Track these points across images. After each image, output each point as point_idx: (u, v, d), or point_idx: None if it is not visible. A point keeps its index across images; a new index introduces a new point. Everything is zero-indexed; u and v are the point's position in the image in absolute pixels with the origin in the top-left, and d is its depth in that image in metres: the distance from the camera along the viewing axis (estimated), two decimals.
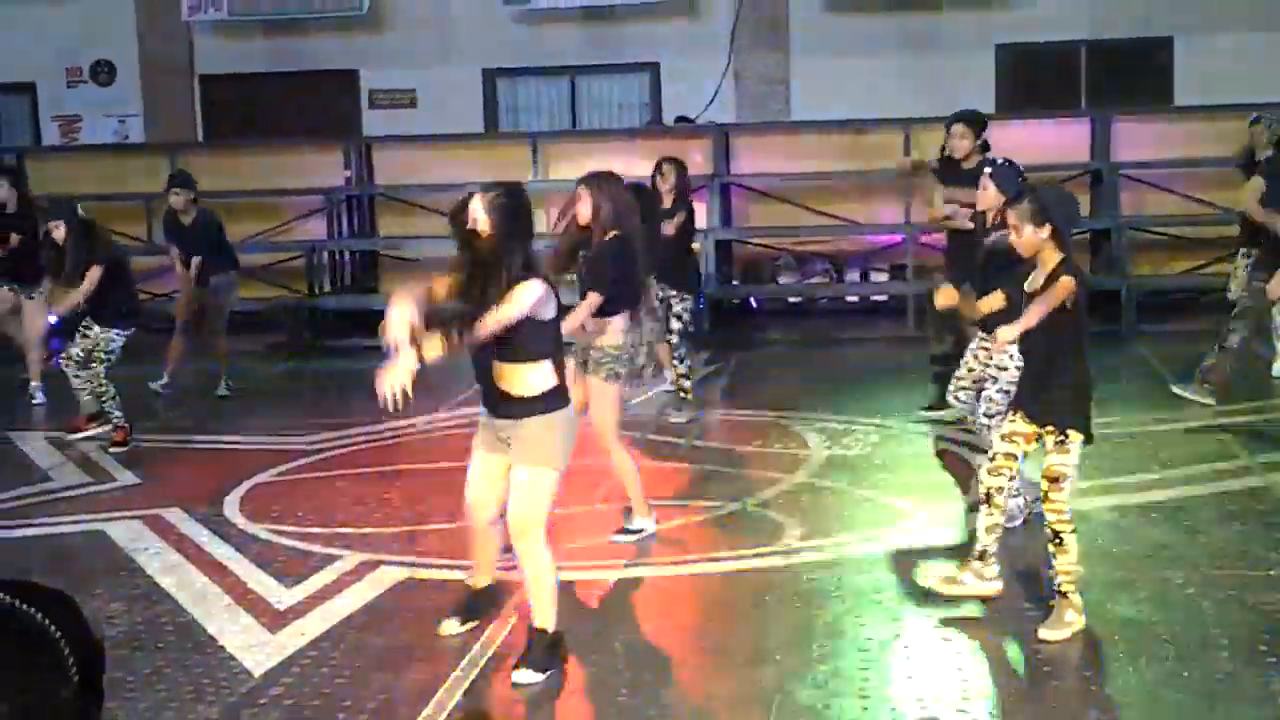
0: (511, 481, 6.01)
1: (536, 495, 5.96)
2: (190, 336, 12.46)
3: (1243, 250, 11.38)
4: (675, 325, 10.88)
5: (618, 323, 7.68)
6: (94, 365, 10.52)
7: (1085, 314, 6.31)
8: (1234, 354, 10.50)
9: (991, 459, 6.56)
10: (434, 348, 5.63)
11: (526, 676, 5.97)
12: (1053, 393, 6.32)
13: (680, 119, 17.62)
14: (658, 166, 11.39)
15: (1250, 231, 11.07)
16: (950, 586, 6.69)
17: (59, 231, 10.68)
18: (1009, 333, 6.28)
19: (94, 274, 10.48)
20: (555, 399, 5.96)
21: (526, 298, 5.74)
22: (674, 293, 10.87)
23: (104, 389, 10.51)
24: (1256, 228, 10.58)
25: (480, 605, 6.63)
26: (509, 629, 6.56)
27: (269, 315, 15.52)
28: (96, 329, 10.55)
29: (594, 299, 7.59)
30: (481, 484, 6.21)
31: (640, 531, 7.94)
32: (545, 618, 6.06)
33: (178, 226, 12.38)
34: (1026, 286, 6.37)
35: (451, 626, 6.53)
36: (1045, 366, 6.33)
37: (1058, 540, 6.29)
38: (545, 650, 6.04)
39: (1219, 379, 10.52)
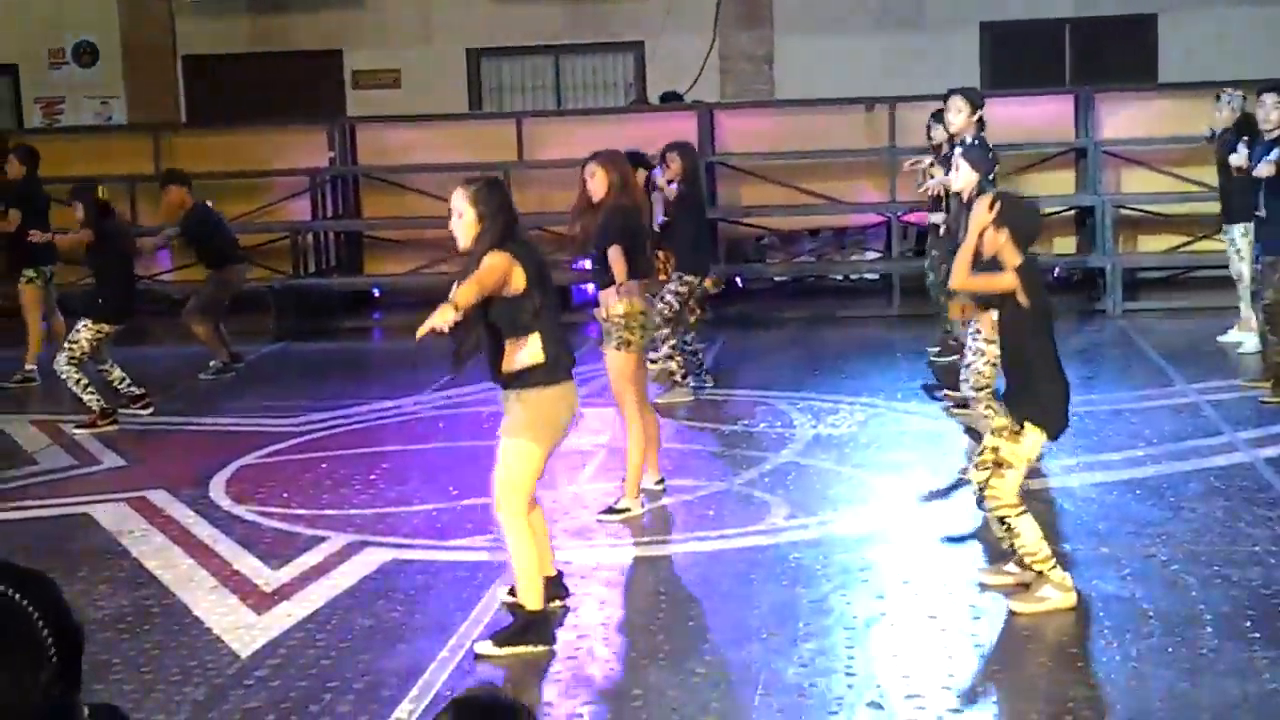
0: (498, 452, 6.13)
1: (515, 467, 6.03)
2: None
3: (1233, 225, 11.36)
4: (659, 305, 10.82)
5: (625, 289, 7.92)
6: (61, 355, 10.58)
7: (1043, 315, 6.33)
8: None
9: (980, 454, 6.51)
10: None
11: (485, 648, 6.04)
12: (1013, 386, 6.45)
13: (669, 95, 17.56)
14: (661, 156, 11.16)
15: (1235, 205, 11.10)
16: (1027, 603, 6.38)
17: (78, 213, 10.73)
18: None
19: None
20: (538, 375, 6.01)
21: (484, 271, 5.85)
22: (680, 274, 10.84)
23: (66, 375, 10.50)
24: (1242, 201, 10.61)
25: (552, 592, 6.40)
26: (496, 609, 6.57)
27: (253, 297, 15.51)
28: (86, 322, 10.55)
29: (616, 253, 7.91)
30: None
31: (625, 512, 7.96)
32: (525, 595, 6.10)
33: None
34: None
35: (485, 645, 6.20)
36: (1012, 362, 6.43)
37: (1006, 527, 6.32)
38: (518, 628, 6.07)
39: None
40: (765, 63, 17.79)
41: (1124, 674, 5.69)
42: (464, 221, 5.98)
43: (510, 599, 6.37)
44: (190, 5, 18.47)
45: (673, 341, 10.85)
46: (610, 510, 7.99)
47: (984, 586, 6.62)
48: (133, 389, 10.90)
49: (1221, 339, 11.97)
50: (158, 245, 13.40)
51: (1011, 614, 6.27)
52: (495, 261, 5.89)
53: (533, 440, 6.03)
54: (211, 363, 12.49)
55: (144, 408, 10.90)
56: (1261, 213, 10.12)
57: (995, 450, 6.35)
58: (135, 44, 18.65)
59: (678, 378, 10.92)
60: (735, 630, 6.27)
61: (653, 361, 10.95)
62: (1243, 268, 11.52)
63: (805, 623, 6.33)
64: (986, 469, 6.39)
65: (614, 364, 7.98)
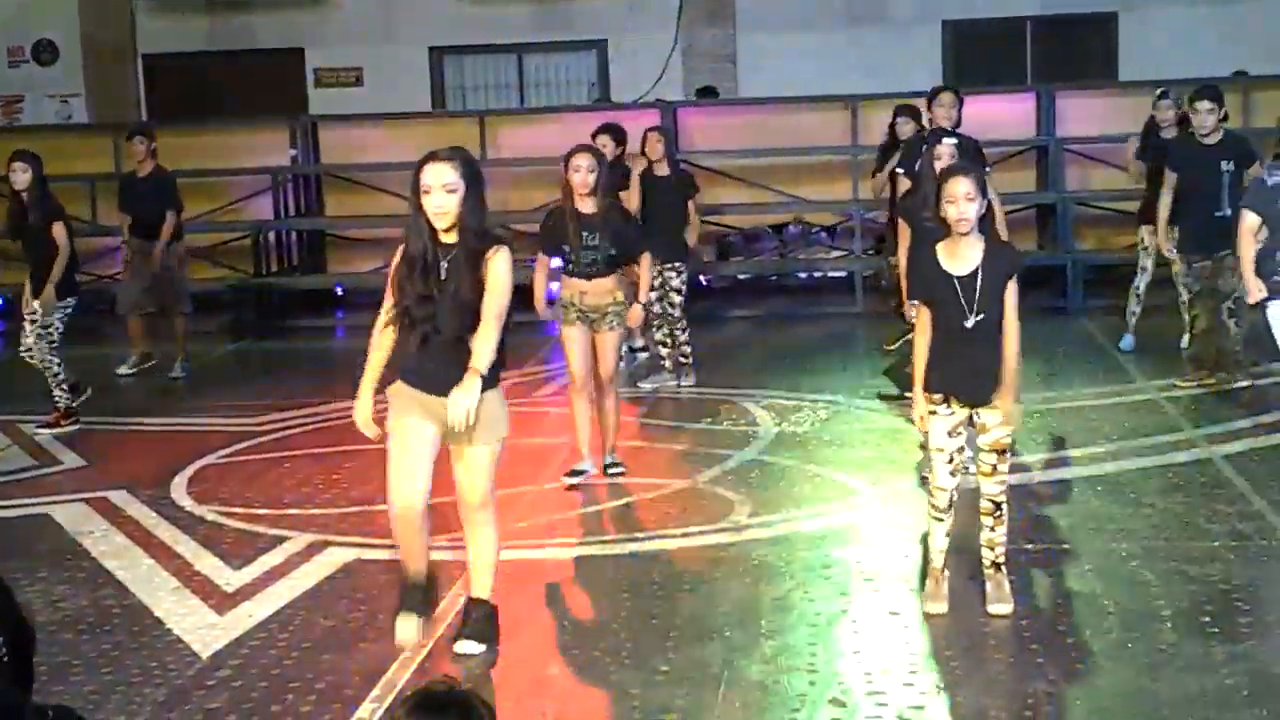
0: (468, 459, 5.88)
1: (494, 467, 5.95)
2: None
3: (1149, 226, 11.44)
4: (676, 299, 11.03)
5: (622, 277, 8.54)
6: (41, 342, 10.38)
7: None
8: (1223, 332, 10.40)
9: (949, 461, 6.22)
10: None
11: (469, 647, 5.98)
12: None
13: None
14: (644, 137, 11.53)
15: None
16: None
17: (24, 176, 10.36)
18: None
19: (61, 232, 10.33)
20: (496, 371, 5.83)
21: (508, 265, 5.73)
22: (675, 264, 11.09)
23: (49, 364, 10.40)
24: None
25: (430, 596, 6.19)
26: (458, 608, 6.56)
27: (215, 296, 15.45)
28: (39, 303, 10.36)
29: (648, 259, 8.79)
30: (420, 472, 5.84)
31: (585, 474, 8.54)
32: (489, 588, 6.08)
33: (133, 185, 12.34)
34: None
35: (408, 629, 6.03)
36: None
37: (998, 512, 6.25)
38: (487, 621, 6.06)
39: (1210, 358, 10.46)
40: (728, 60, 17.81)
41: (1084, 670, 5.72)
42: (455, 197, 5.65)
43: (479, 596, 6.17)
44: (151, 3, 18.36)
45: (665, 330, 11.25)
46: (573, 473, 8.57)
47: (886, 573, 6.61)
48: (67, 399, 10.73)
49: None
50: None
51: (994, 616, 6.22)
52: (508, 273, 5.73)
53: (501, 439, 5.94)
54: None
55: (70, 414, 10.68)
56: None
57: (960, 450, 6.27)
58: (95, 42, 18.55)
59: (668, 365, 11.33)
60: (698, 628, 6.27)
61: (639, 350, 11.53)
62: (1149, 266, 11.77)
63: (768, 620, 6.34)
64: (959, 473, 6.29)
65: (613, 344, 8.49)
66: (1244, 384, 10.25)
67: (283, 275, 16.26)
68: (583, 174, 8.30)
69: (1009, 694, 5.56)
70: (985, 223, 6.22)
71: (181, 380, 12.37)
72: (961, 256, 6.06)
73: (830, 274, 16.38)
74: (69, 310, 10.46)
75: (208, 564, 7.39)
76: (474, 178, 5.74)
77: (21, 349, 10.55)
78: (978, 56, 17.71)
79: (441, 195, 5.66)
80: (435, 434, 5.82)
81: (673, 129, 15.86)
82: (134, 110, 18.58)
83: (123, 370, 12.49)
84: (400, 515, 5.90)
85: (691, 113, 16.53)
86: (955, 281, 6.04)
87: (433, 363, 5.79)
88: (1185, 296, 10.80)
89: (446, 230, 5.73)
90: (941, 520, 6.30)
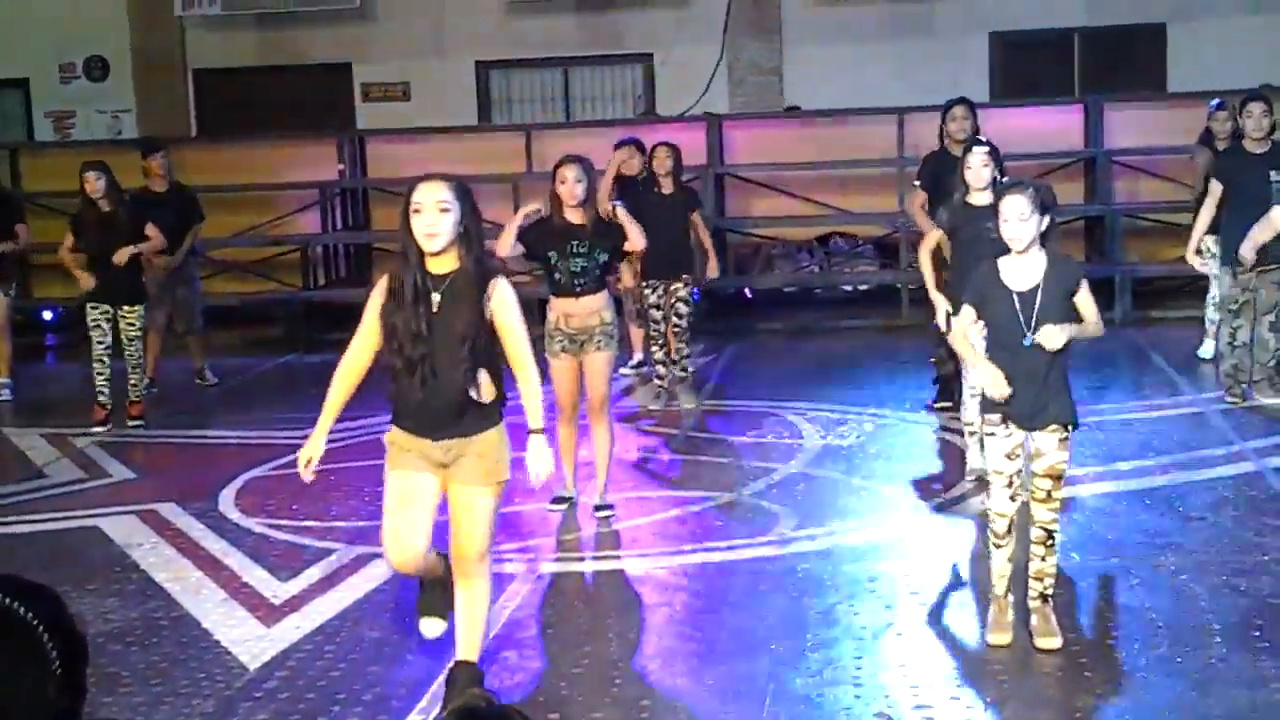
0: (466, 505, 5.47)
1: (495, 515, 5.56)
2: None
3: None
4: (683, 310, 10.97)
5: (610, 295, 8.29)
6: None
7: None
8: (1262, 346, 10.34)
9: (1008, 485, 6.04)
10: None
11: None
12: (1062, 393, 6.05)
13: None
14: (652, 151, 11.41)
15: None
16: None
17: (100, 184, 11.08)
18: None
19: (154, 229, 11.19)
20: (496, 410, 5.49)
21: (514, 297, 5.44)
22: (681, 278, 10.99)
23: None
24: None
25: (449, 595, 5.77)
26: (504, 618, 6.58)
27: (264, 309, 15.56)
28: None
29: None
30: (419, 528, 5.49)
31: (568, 501, 8.31)
32: (479, 650, 5.64)
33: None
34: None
35: (434, 627, 5.90)
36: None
37: (1050, 541, 6.06)
38: (477, 684, 5.53)
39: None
40: (774, 74, 17.80)
41: (1132, 684, 5.68)
42: (450, 217, 5.27)
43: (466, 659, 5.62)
44: (201, 19, 18.51)
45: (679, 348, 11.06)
46: (603, 508, 8.21)
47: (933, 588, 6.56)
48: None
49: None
50: None
51: (1042, 650, 6.01)
52: (516, 304, 5.44)
53: (502, 483, 5.57)
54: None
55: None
56: None
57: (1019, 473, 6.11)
58: (146, 58, 18.70)
59: (665, 384, 11.17)
60: (743, 641, 6.27)
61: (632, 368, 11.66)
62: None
63: (813, 633, 6.33)
64: (1017, 498, 6.13)
65: (606, 366, 8.14)
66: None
67: (330, 289, 16.35)
68: (570, 185, 8.01)
69: (1056, 708, 5.54)
70: (1049, 237, 6.03)
71: (215, 385, 12.57)
72: (1022, 272, 5.94)
73: (876, 286, 16.32)
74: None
75: (255, 576, 7.43)
76: (468, 201, 5.34)
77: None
78: (1025, 68, 17.63)
79: (434, 214, 5.25)
80: (436, 485, 5.47)
81: (718, 142, 15.89)
82: (184, 125, 18.72)
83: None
84: (399, 569, 5.68)
85: (736, 125, 16.53)
86: (1014, 297, 5.93)
87: (432, 404, 5.38)
88: (1232, 307, 10.45)
89: (437, 255, 5.32)
90: (1001, 546, 6.08)
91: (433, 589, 5.84)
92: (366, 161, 16.99)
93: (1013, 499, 6.04)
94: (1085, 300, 5.99)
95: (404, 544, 5.48)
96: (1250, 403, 10.18)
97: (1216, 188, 10.40)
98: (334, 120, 18.20)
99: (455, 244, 5.32)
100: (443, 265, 5.35)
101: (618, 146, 11.60)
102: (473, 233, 5.36)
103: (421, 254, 5.32)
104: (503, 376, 5.49)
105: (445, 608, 5.79)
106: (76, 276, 11.08)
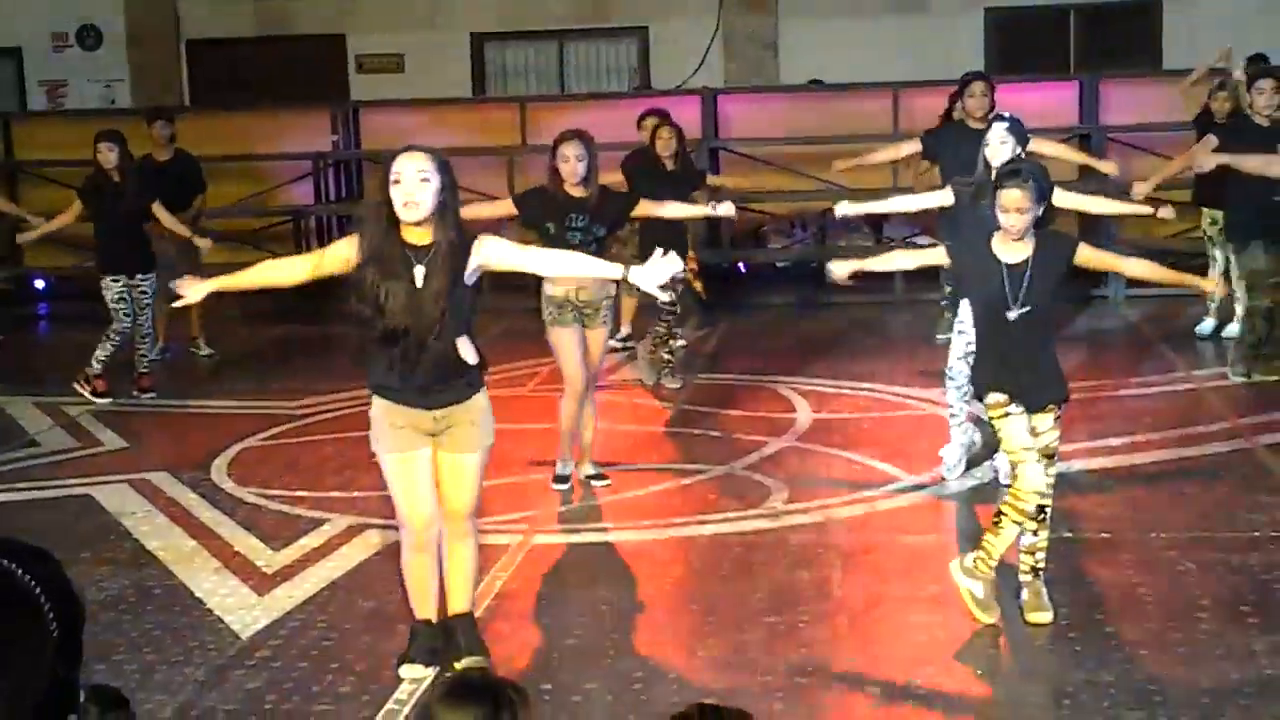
0: (457, 468, 5.56)
1: (482, 475, 5.66)
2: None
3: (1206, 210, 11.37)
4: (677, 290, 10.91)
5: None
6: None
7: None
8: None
9: (1039, 460, 5.98)
10: None
11: (473, 663, 5.56)
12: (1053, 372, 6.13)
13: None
14: (655, 130, 11.20)
15: (1210, 190, 11.09)
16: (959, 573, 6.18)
17: (112, 155, 10.93)
18: None
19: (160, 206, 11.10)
20: (480, 373, 5.54)
21: (499, 238, 5.53)
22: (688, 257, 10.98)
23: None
24: (1218, 187, 10.58)
25: (438, 647, 5.76)
26: (496, 590, 6.59)
27: None
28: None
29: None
30: (430, 495, 5.59)
31: (568, 478, 8.29)
32: (471, 599, 5.81)
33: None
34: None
35: (414, 673, 5.68)
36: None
37: (1042, 517, 6.07)
38: (474, 631, 5.77)
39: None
40: (769, 48, 17.76)
41: (1123, 659, 5.70)
42: (429, 187, 5.23)
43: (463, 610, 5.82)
44: None
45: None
46: (597, 477, 8.30)
47: (930, 560, 6.55)
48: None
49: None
50: None
51: (1034, 625, 6.03)
52: (502, 240, 5.59)
53: (487, 447, 5.63)
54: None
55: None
56: None
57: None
58: (139, 27, 18.64)
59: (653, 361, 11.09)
60: (736, 613, 6.28)
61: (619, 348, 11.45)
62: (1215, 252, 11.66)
63: (805, 606, 6.34)
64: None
65: (603, 340, 8.22)
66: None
67: None
68: (571, 164, 7.83)
69: (1048, 682, 5.56)
70: (1044, 219, 6.02)
71: (214, 357, 12.54)
72: (1014, 245, 5.97)
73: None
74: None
75: (248, 545, 7.44)
76: (448, 173, 5.32)
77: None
78: (1020, 44, 17.59)
79: (415, 183, 5.22)
80: (429, 454, 5.53)
81: (713, 116, 15.85)
82: (177, 95, 18.66)
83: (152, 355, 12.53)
84: (420, 532, 5.61)
85: (731, 99, 16.49)
86: (1004, 269, 5.95)
87: (420, 375, 5.39)
88: (1271, 280, 10.21)
89: (417, 226, 5.29)
90: (1021, 525, 6.01)
91: (424, 635, 5.75)
92: (360, 133, 16.93)
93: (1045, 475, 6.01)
94: (1094, 255, 6.11)
95: (424, 515, 5.60)
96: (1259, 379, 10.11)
97: (1211, 140, 10.23)
98: (328, 91, 18.15)
99: (433, 215, 5.29)
100: (421, 236, 5.33)
101: (643, 117, 11.39)
102: (450, 205, 5.33)
103: (398, 223, 5.31)
104: (471, 342, 5.49)
105: (430, 657, 5.69)
106: (198, 244, 11.30)
